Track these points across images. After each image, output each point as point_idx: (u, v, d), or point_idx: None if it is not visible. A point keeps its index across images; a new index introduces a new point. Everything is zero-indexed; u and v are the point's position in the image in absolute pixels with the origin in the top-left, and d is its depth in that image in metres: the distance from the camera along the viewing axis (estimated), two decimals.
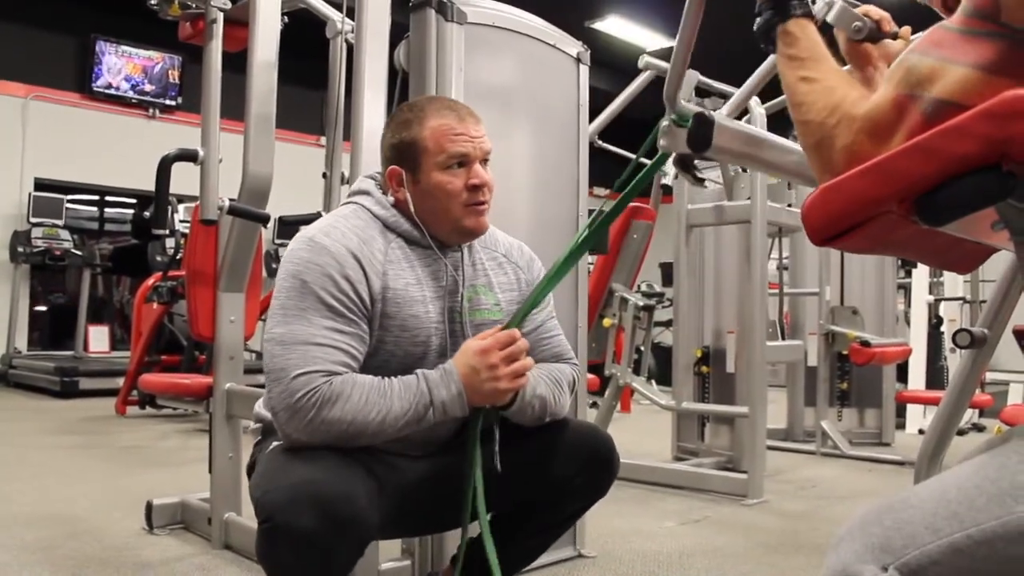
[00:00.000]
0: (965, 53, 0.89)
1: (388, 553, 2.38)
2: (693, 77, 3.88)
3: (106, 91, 9.21)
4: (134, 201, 10.01)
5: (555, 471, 1.74)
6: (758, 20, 1.18)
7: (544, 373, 1.75)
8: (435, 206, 1.69)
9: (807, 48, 1.11)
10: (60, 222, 8.40)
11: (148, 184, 3.03)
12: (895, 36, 1.33)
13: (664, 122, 1.36)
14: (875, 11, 1.32)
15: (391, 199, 1.73)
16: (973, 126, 0.84)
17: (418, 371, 1.60)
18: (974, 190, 0.86)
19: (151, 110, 9.52)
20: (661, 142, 1.37)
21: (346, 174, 2.79)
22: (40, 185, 8.69)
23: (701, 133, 1.26)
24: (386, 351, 1.65)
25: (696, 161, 1.44)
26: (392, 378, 1.58)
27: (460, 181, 1.68)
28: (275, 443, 1.63)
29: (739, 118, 4.46)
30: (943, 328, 6.88)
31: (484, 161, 1.72)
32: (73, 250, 8.31)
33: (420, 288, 1.68)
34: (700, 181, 1.47)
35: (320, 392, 1.49)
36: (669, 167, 3.85)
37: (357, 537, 1.46)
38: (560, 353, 1.86)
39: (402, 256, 1.68)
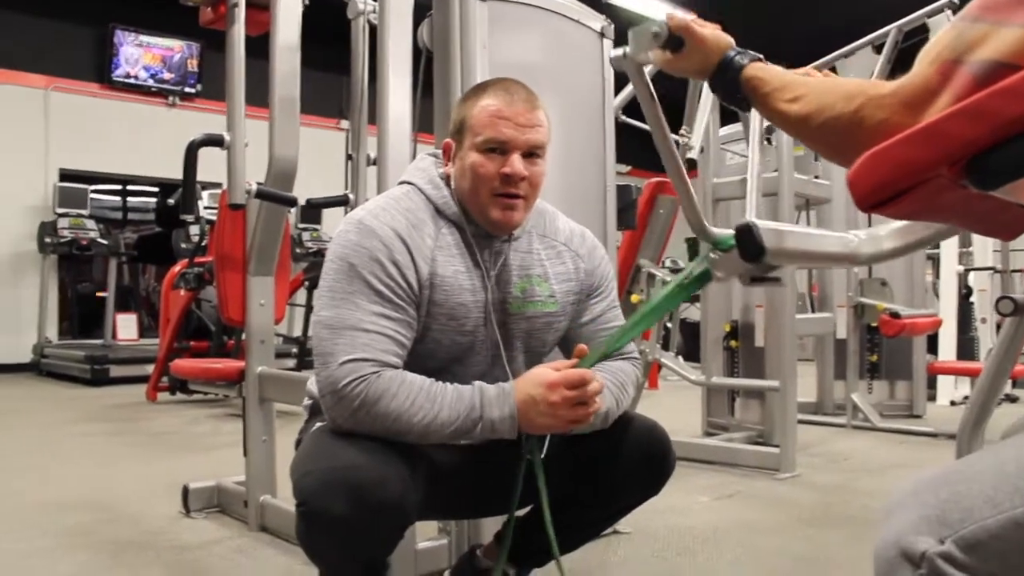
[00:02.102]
0: (1022, 15, 0.87)
1: (425, 533, 2.39)
2: None
3: (125, 80, 9.25)
4: (156, 189, 10.08)
5: (610, 467, 1.70)
6: (719, 93, 1.22)
7: (609, 378, 1.68)
8: (467, 186, 1.64)
9: (777, 78, 1.12)
10: (85, 212, 8.47)
11: (170, 172, 3.05)
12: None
13: (712, 255, 1.32)
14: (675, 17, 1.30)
15: (443, 172, 1.70)
16: None
17: (476, 383, 1.55)
18: None
19: (171, 98, 9.55)
20: (718, 274, 1.32)
21: (371, 155, 2.78)
22: (64, 176, 8.76)
23: (752, 243, 1.19)
24: (432, 339, 1.62)
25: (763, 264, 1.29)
26: (448, 384, 1.53)
27: (493, 166, 1.61)
28: (319, 423, 1.62)
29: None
30: (973, 298, 6.81)
31: (531, 154, 1.63)
32: (99, 239, 8.38)
33: (470, 277, 1.64)
34: (778, 280, 1.40)
35: (367, 383, 1.47)
36: (695, 140, 3.82)
37: (394, 522, 1.46)
38: (619, 348, 1.79)
39: (452, 243, 1.64)
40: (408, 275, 1.57)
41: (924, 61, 0.95)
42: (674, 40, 1.29)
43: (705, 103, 3.71)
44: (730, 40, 1.26)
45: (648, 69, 1.40)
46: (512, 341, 1.71)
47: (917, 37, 4.13)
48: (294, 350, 6.86)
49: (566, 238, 1.81)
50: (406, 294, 1.56)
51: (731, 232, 1.27)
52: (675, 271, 4.31)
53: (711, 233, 1.33)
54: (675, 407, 5.70)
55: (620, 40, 2.85)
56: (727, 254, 1.29)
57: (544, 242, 1.77)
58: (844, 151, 0.96)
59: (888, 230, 1.28)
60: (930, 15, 4.09)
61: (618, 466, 1.71)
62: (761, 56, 1.19)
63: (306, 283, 6.66)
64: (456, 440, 1.54)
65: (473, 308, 1.64)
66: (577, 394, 1.53)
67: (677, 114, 3.96)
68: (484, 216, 1.65)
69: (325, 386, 1.50)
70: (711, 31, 1.28)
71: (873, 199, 0.93)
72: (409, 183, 1.71)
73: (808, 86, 1.08)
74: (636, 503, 1.82)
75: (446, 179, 1.69)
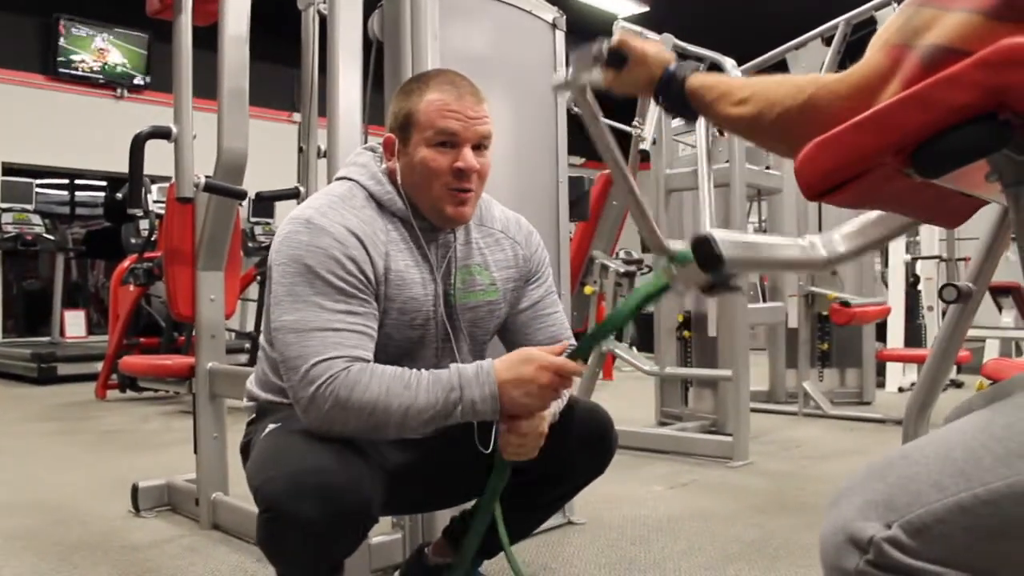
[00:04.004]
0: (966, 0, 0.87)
1: (379, 528, 2.36)
2: (668, 41, 3.85)
3: (71, 72, 9.03)
4: (104, 183, 9.88)
5: (554, 450, 1.69)
6: (665, 106, 1.25)
7: None
8: (418, 182, 1.63)
9: (722, 84, 1.14)
10: (30, 207, 8.24)
11: (118, 166, 2.97)
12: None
13: (671, 270, 1.33)
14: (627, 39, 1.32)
15: (385, 167, 1.69)
16: (970, 75, 0.82)
17: (453, 365, 1.54)
18: (970, 140, 0.84)
19: (119, 90, 9.35)
20: (679, 287, 1.33)
21: (322, 148, 2.75)
22: (8, 169, 8.53)
23: (709, 253, 1.19)
24: (384, 334, 1.61)
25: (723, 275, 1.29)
26: (422, 371, 1.52)
27: (446, 161, 1.60)
28: (271, 425, 1.60)
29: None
30: (920, 287, 6.94)
31: (479, 146, 1.63)
32: (45, 235, 8.17)
33: (419, 271, 1.65)
34: (738, 288, 1.40)
35: (339, 379, 1.45)
36: (647, 132, 3.84)
37: (362, 523, 1.46)
38: (557, 334, 1.80)
39: (399, 238, 1.64)
40: (366, 269, 1.56)
41: (875, 47, 0.96)
42: (617, 57, 1.30)
43: None
44: (671, 55, 1.28)
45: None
46: (459, 332, 1.71)
47: (865, 29, 4.20)
48: (246, 345, 6.77)
49: (503, 225, 1.82)
50: (366, 287, 1.56)
51: (689, 245, 1.26)
52: (628, 262, 4.31)
53: (668, 248, 1.33)
54: (629, 397, 5.73)
55: (571, 31, 2.87)
56: (686, 267, 1.29)
57: (482, 231, 1.78)
58: (800, 143, 0.96)
59: (842, 233, 1.30)
60: (877, 8, 4.15)
61: (562, 449, 1.70)
62: (700, 66, 1.21)
63: (258, 277, 6.58)
64: (433, 427, 1.52)
65: (423, 302, 1.65)
66: (561, 381, 1.55)
67: (630, 106, 3.98)
68: (437, 211, 1.65)
69: (300, 390, 1.48)
70: (652, 45, 1.30)
71: (820, 187, 0.94)
72: (349, 179, 1.69)
73: (754, 87, 1.08)
74: (581, 485, 1.84)
75: (389, 174, 1.68)
